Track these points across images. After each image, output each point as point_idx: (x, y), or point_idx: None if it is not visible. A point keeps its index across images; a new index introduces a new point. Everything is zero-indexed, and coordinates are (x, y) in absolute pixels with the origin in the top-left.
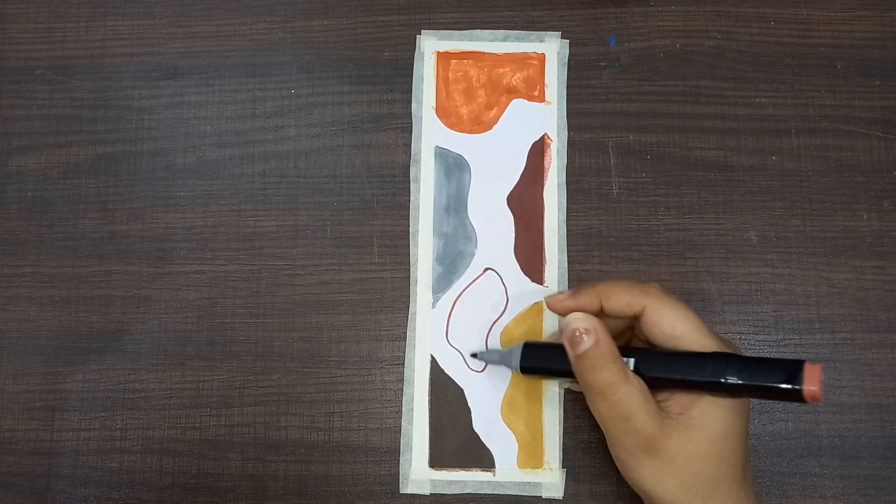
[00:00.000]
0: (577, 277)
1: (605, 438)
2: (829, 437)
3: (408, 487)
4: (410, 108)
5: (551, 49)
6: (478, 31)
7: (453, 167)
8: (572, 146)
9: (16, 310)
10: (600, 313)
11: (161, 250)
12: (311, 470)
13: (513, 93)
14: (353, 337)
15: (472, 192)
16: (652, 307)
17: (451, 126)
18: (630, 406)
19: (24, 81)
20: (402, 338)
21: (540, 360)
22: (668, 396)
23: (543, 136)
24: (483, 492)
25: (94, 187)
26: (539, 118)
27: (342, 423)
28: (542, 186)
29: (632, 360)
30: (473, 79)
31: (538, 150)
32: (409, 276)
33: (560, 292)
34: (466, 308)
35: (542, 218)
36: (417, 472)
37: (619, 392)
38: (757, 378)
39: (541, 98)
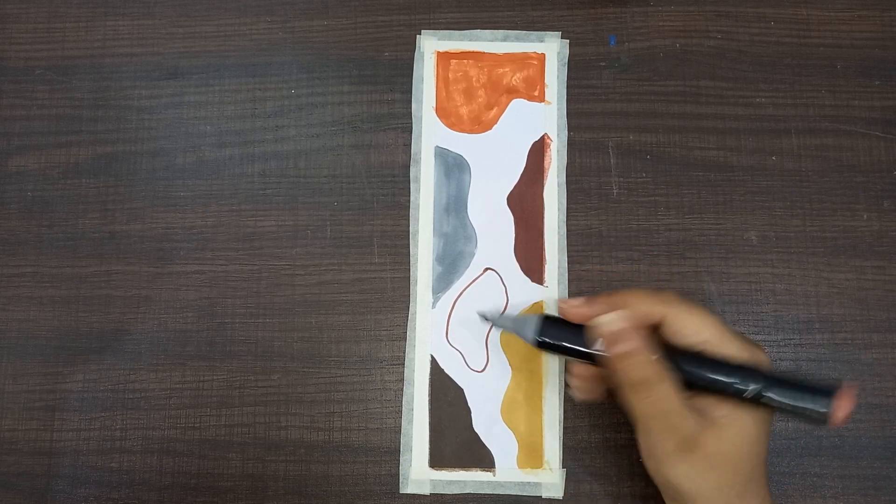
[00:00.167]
0: (577, 277)
1: (605, 439)
2: (829, 437)
3: (408, 487)
4: (410, 108)
5: (551, 49)
6: (478, 31)
7: (453, 167)
8: (572, 146)
9: (16, 310)
10: None
11: (161, 250)
12: (311, 470)
13: (513, 93)
14: (353, 337)
15: (472, 192)
16: (673, 316)
17: (451, 126)
18: (668, 403)
19: (24, 81)
20: (402, 338)
21: (558, 335)
22: (692, 395)
23: (543, 136)
24: (483, 492)
25: (94, 187)
26: (539, 118)
27: (342, 423)
28: (542, 186)
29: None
30: (473, 79)
31: (538, 150)
32: (409, 276)
33: (574, 298)
34: (466, 308)
35: (542, 218)
36: (417, 472)
37: (657, 389)
38: (787, 398)
39: (541, 98)
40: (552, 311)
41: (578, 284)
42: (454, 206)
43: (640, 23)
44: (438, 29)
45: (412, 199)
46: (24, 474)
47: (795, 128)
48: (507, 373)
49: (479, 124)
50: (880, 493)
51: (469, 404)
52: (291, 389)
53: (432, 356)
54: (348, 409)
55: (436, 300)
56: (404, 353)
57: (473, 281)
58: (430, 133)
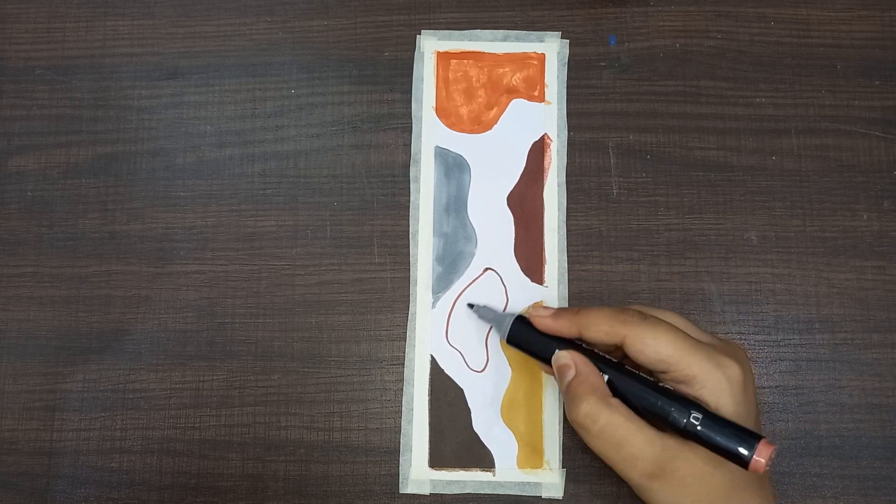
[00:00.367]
0: (577, 277)
1: None
2: (829, 437)
3: (408, 487)
4: (410, 108)
5: (551, 49)
6: (478, 31)
7: (453, 167)
8: (572, 146)
9: (16, 310)
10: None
11: (161, 250)
12: (311, 470)
13: (513, 93)
14: (353, 337)
15: (472, 192)
16: (632, 337)
17: (451, 126)
18: (618, 433)
19: (24, 81)
20: (402, 338)
21: (525, 340)
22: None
23: (543, 136)
24: (483, 492)
25: (94, 187)
26: (539, 118)
27: (342, 423)
28: (542, 186)
29: (606, 377)
30: (473, 79)
31: (538, 150)
32: (409, 276)
33: (546, 307)
34: (467, 308)
35: (542, 218)
36: (417, 472)
37: (601, 420)
38: (717, 435)
39: (541, 98)
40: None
41: (578, 284)
42: (454, 206)
43: (640, 23)
44: (438, 29)
45: (412, 199)
46: (24, 474)
47: (795, 128)
48: (507, 373)
49: (479, 124)
50: (880, 493)
51: (469, 404)
52: (291, 389)
53: (432, 356)
54: (348, 409)
55: (436, 300)
56: (404, 353)
57: (473, 281)
58: (430, 133)
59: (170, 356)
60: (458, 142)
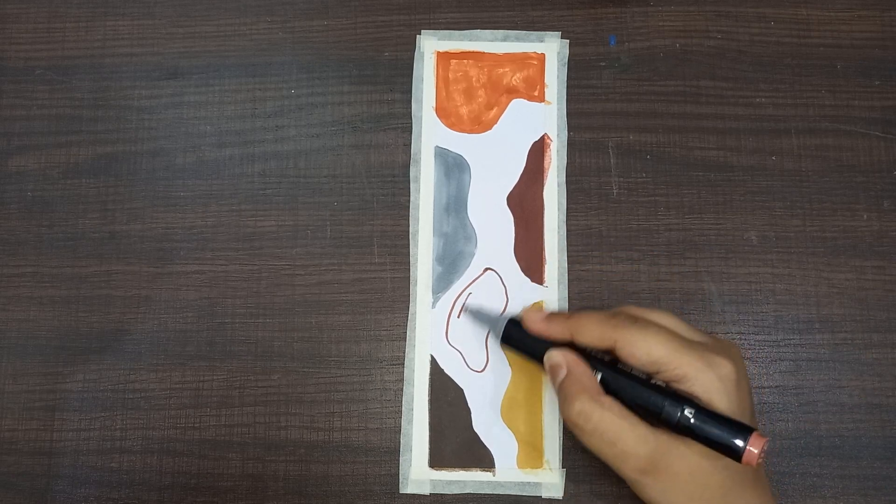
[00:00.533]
0: (577, 277)
1: None
2: (829, 437)
3: (408, 487)
4: (410, 108)
5: (551, 49)
6: (478, 31)
7: (453, 167)
8: (572, 146)
9: (16, 310)
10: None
11: (161, 250)
12: (311, 470)
13: (513, 93)
14: (353, 337)
15: (472, 192)
16: (623, 341)
17: (451, 126)
18: (610, 430)
19: (24, 81)
20: (402, 338)
21: (519, 341)
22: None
23: (543, 136)
24: (483, 492)
25: (94, 187)
26: (539, 118)
27: (342, 423)
28: (542, 186)
29: (598, 375)
30: (473, 79)
31: (538, 150)
32: (409, 276)
33: (538, 311)
34: (464, 317)
35: (542, 218)
36: (417, 472)
37: (594, 418)
38: (710, 429)
39: (541, 98)
40: (552, 309)
41: (578, 284)
42: (454, 206)
43: (640, 23)
44: (438, 29)
45: (412, 199)
46: (24, 474)
47: (795, 128)
48: (507, 373)
49: (479, 124)
50: (880, 493)
51: (469, 404)
52: (291, 389)
53: (432, 356)
54: (348, 409)
55: (436, 300)
56: (404, 353)
57: (473, 281)
58: (430, 133)
59: (170, 356)
60: (458, 142)
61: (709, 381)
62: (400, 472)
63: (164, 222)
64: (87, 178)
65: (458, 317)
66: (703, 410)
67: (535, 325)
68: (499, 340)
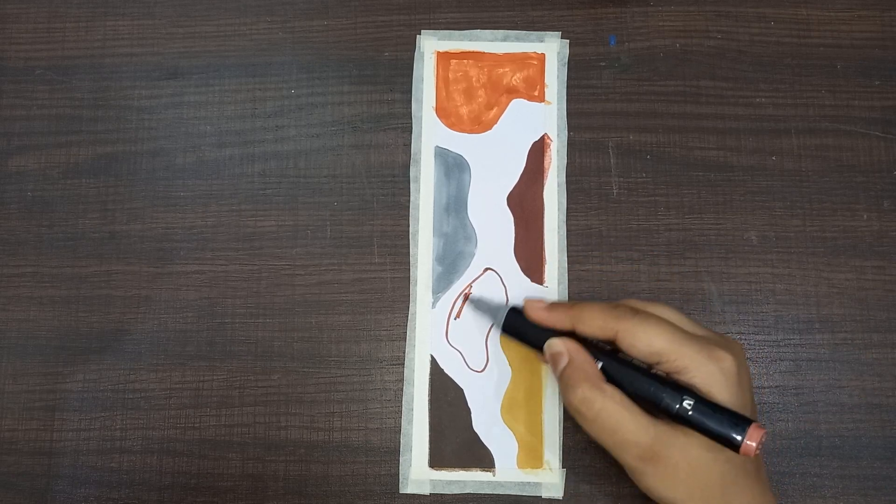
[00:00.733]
0: (577, 277)
1: None
2: (829, 437)
3: (408, 487)
4: (410, 108)
5: (551, 49)
6: (478, 31)
7: (453, 167)
8: (572, 146)
9: (16, 310)
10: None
11: (161, 250)
12: (311, 470)
13: (513, 93)
14: (353, 337)
15: (472, 192)
16: (625, 332)
17: (451, 126)
18: (612, 419)
19: (24, 81)
20: (402, 338)
21: (520, 329)
22: None
23: (543, 136)
24: (483, 492)
25: (94, 187)
26: (539, 118)
27: (342, 423)
28: (542, 186)
29: (600, 364)
30: (473, 79)
31: (538, 150)
32: (409, 276)
33: (539, 300)
34: (467, 308)
35: (542, 218)
36: (417, 472)
37: (595, 406)
38: (709, 420)
39: (541, 98)
40: None
41: (578, 284)
42: (454, 206)
43: (640, 23)
44: (438, 29)
45: (412, 199)
46: (24, 474)
47: (795, 128)
48: (507, 373)
49: (479, 124)
50: (880, 493)
51: (469, 404)
52: (291, 389)
53: (432, 356)
54: (348, 409)
55: (436, 300)
56: (404, 353)
57: (473, 281)
58: (430, 133)
59: (170, 356)
60: (458, 142)
61: (709, 373)
62: (400, 472)
63: (164, 222)
64: (87, 178)
65: (457, 318)
66: (702, 401)
67: (537, 314)
68: (500, 329)
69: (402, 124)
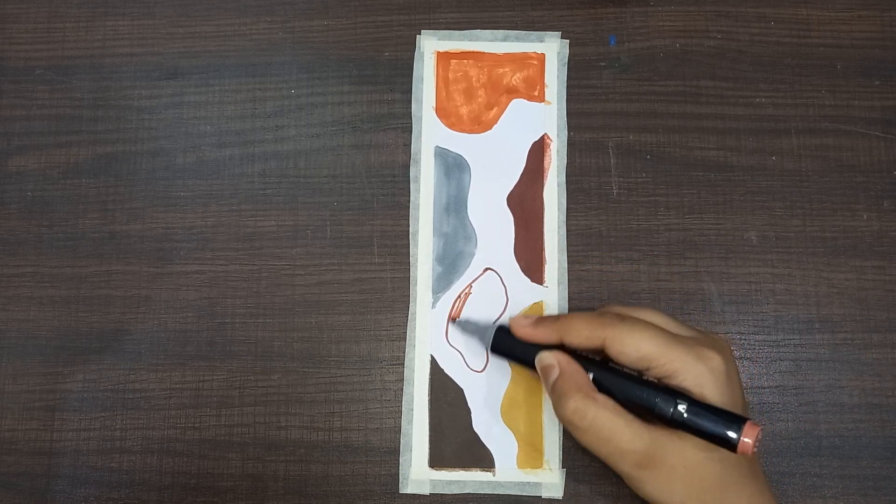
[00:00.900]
0: (577, 277)
1: None
2: (829, 437)
3: (408, 487)
4: (410, 108)
5: (551, 49)
6: (478, 31)
7: (453, 167)
8: (572, 146)
9: (16, 310)
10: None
11: (161, 250)
12: (311, 470)
13: (513, 93)
14: (353, 337)
15: (472, 192)
16: (611, 338)
17: (451, 126)
18: (606, 427)
19: (24, 81)
20: (402, 338)
21: (509, 348)
22: None
23: (543, 136)
24: (483, 492)
25: (94, 187)
26: (539, 118)
27: (342, 423)
28: (542, 186)
29: (591, 374)
30: (473, 79)
31: (538, 150)
32: (409, 276)
33: (525, 317)
34: (467, 309)
35: (542, 218)
36: (417, 472)
37: (589, 416)
38: (704, 422)
39: (541, 98)
40: (552, 310)
41: (578, 284)
42: (454, 206)
43: (640, 23)
44: (438, 29)
45: (412, 199)
46: (24, 474)
47: (795, 128)
48: (507, 373)
49: (479, 124)
50: (880, 493)
51: (469, 404)
52: (291, 389)
53: (432, 356)
54: (348, 409)
55: (436, 300)
56: (404, 353)
57: (473, 281)
58: (430, 133)
59: (170, 356)
60: (458, 142)
61: (700, 374)
62: (400, 472)
63: (164, 222)
64: (87, 178)
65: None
66: (696, 403)
67: (523, 331)
68: (488, 349)
69: (402, 124)
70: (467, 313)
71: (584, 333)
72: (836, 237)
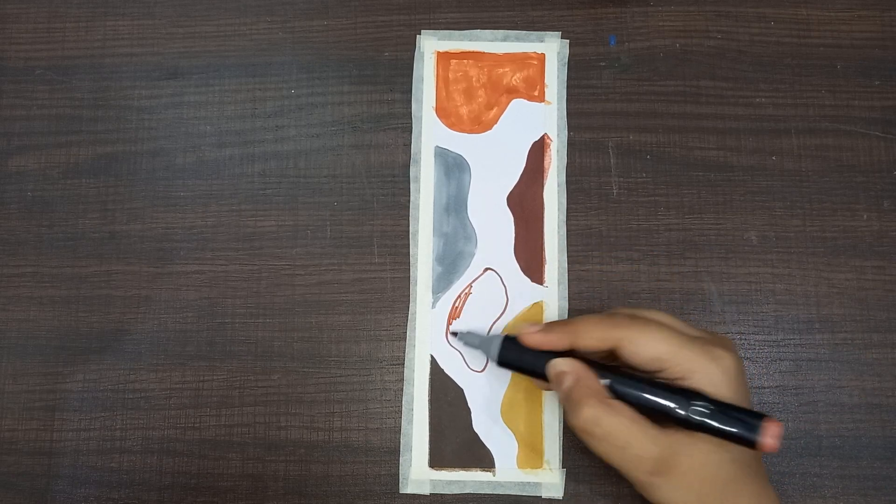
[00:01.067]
0: (577, 277)
1: None
2: (829, 437)
3: (408, 487)
4: (410, 108)
5: (551, 49)
6: (478, 31)
7: (453, 167)
8: (572, 146)
9: (16, 310)
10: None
11: (161, 250)
12: (311, 470)
13: (513, 93)
14: (353, 337)
15: (472, 192)
16: (626, 340)
17: (451, 126)
18: (622, 434)
19: (24, 81)
20: (402, 338)
21: (517, 358)
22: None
23: (543, 136)
24: (483, 492)
25: (94, 187)
26: (539, 118)
27: (342, 423)
28: (542, 186)
29: (608, 381)
30: (473, 79)
31: (538, 150)
32: (409, 276)
33: (532, 324)
34: (466, 308)
35: (542, 218)
36: (417, 472)
37: (604, 423)
38: (722, 423)
39: (541, 98)
40: (552, 310)
41: (578, 284)
42: (454, 206)
43: (640, 23)
44: (438, 29)
45: (412, 199)
46: (24, 474)
47: (795, 128)
48: (507, 373)
49: (479, 124)
50: (880, 493)
51: (469, 404)
52: (291, 389)
53: (432, 356)
54: (348, 409)
55: (436, 300)
56: (404, 353)
57: (473, 281)
58: (430, 133)
59: (170, 356)
60: (458, 142)
61: (714, 374)
62: (400, 472)
63: (164, 222)
64: (87, 178)
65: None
66: (715, 403)
67: (533, 338)
68: (495, 361)
69: (402, 124)
70: (467, 313)
71: (597, 335)
72: (836, 237)
